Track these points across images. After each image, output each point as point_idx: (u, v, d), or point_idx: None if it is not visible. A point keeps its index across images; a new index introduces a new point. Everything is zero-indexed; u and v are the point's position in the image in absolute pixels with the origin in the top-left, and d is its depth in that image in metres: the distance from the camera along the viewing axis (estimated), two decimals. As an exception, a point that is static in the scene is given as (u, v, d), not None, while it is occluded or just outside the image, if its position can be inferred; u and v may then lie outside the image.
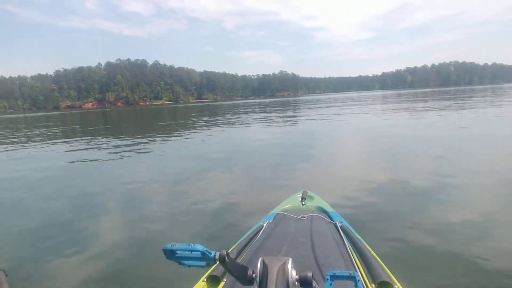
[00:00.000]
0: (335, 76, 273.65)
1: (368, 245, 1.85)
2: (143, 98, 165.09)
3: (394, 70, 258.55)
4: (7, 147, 13.44)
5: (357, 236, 1.96)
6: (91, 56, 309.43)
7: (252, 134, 14.12)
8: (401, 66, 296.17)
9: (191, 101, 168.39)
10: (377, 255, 1.73)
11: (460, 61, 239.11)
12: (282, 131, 14.70)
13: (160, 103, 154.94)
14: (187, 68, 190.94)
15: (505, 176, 5.25)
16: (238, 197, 5.14)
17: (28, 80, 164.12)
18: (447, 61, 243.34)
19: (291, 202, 2.69)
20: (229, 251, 1.47)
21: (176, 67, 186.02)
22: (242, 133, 14.89)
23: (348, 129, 14.14)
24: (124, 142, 13.26)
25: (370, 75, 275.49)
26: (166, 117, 33.62)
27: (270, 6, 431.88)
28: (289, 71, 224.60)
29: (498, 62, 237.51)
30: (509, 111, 16.79)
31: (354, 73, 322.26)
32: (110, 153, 10.57)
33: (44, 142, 14.60)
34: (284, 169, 6.85)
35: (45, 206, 5.29)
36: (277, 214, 2.38)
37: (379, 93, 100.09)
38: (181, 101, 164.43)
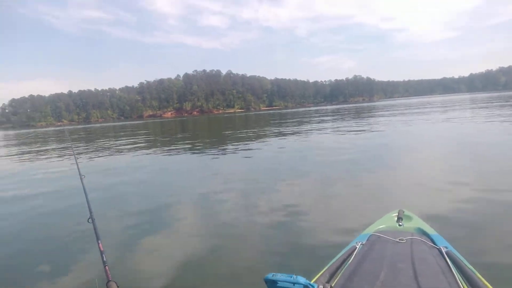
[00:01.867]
0: (416, 79, 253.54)
1: (481, 275, 1.66)
2: (217, 106, 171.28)
3: (484, 71, 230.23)
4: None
5: (467, 265, 1.76)
6: (171, 68, 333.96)
7: (329, 142, 13.26)
8: (493, 66, 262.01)
9: (262, 108, 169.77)
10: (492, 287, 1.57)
11: None
12: (361, 139, 13.35)
13: (232, 111, 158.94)
14: (258, 76, 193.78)
15: None
16: (323, 213, 4.77)
17: (117, 92, 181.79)
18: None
19: (386, 222, 2.54)
20: (320, 274, 1.72)
21: (248, 75, 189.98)
22: (318, 140, 13.99)
23: (439, 138, 12.25)
24: (199, 149, 14.08)
25: (456, 76, 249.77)
26: (238, 124, 34.23)
27: (345, 10, 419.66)
28: (364, 75, 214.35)
29: None
30: None
31: (437, 75, 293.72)
32: (184, 159, 11.34)
33: (140, 150, 15.27)
34: (371, 183, 6.20)
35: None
36: (371, 235, 2.24)
37: (467, 96, 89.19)
38: (252, 109, 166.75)
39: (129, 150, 15.45)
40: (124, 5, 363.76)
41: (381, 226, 2.45)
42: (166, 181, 8.22)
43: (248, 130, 23.63)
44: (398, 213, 2.60)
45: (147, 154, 13.53)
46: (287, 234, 4.08)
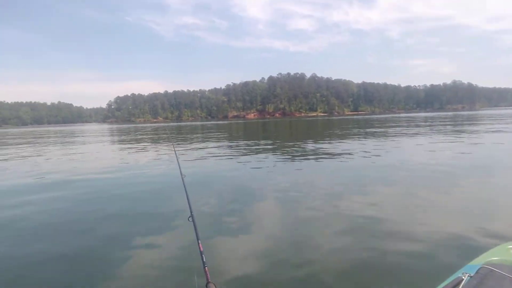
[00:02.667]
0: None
1: None
2: (299, 109, 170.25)
3: None
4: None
5: None
6: (257, 71, 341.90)
7: (428, 153, 11.51)
8: None
9: (346, 113, 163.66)
10: None
11: None
12: (466, 152, 11.42)
13: (315, 114, 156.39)
14: (344, 79, 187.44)
15: None
16: (421, 232, 4.18)
17: (206, 92, 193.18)
18: None
19: (501, 254, 2.22)
20: None
21: (333, 79, 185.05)
22: (416, 151, 12.15)
23: None
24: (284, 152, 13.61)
25: None
26: (321, 129, 33.18)
27: (444, 11, 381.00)
28: (464, 81, 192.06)
29: None
30: None
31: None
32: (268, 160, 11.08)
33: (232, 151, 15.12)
34: (481, 205, 5.30)
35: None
36: (481, 267, 1.92)
37: None
38: (336, 113, 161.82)
39: (221, 149, 15.50)
40: (217, 12, 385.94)
41: (493, 258, 2.13)
42: (257, 179, 8.23)
43: (331, 135, 22.22)
44: None
45: (236, 155, 13.29)
46: (371, 253, 3.72)
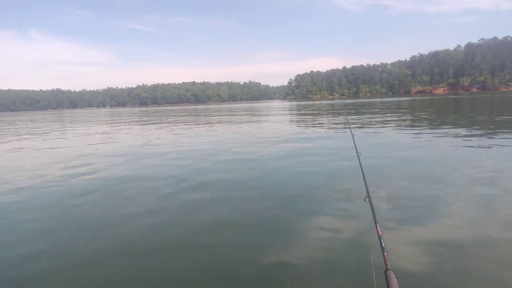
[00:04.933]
0: None
1: None
2: (507, 82, 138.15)
3: None
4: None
5: None
6: (453, 39, 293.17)
7: None
8: None
9: None
10: None
11: None
12: None
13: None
14: None
15: None
16: None
17: (388, 66, 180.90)
18: None
19: None
20: None
21: None
22: None
23: None
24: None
25: None
26: None
27: None
28: None
29: None
30: None
31: None
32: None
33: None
34: None
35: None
36: None
37: None
38: None
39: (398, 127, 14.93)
40: None
41: None
42: (449, 162, 7.37)
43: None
44: None
45: (421, 132, 12.60)
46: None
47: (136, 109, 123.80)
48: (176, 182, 6.41)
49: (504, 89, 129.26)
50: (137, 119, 34.32)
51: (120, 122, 31.07)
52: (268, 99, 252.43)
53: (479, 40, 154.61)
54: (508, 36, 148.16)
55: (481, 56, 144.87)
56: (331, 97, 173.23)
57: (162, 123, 26.14)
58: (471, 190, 5.23)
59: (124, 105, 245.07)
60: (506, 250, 3.33)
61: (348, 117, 21.75)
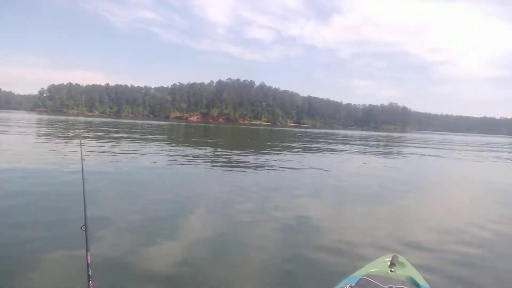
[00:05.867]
0: (454, 115, 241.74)
1: None
2: (244, 116, 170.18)
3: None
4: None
5: None
6: (209, 74, 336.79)
7: (340, 171, 12.81)
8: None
9: (289, 124, 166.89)
10: None
11: None
12: (381, 171, 13.06)
13: (258, 123, 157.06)
14: (291, 91, 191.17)
15: None
16: (308, 247, 4.46)
17: (152, 90, 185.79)
18: None
19: (378, 266, 2.52)
20: None
21: (281, 90, 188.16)
22: (326, 166, 13.17)
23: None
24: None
25: (497, 117, 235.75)
26: (263, 138, 33.51)
27: (393, 37, 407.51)
28: (400, 104, 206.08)
29: None
30: None
31: (477, 114, 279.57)
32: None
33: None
34: (371, 219, 6.05)
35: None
36: (361, 278, 2.23)
37: (508, 140, 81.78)
38: (279, 123, 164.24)
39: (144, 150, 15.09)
40: (177, 9, 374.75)
41: (372, 270, 2.40)
42: (175, 186, 8.09)
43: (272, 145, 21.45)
44: (392, 258, 2.56)
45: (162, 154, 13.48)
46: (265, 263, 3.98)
47: None
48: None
49: (242, 122, 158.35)
50: None
51: None
52: (10, 109, 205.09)
53: (227, 79, 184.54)
54: (247, 79, 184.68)
55: (227, 93, 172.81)
56: (90, 114, 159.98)
57: None
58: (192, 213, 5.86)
59: None
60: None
61: (81, 137, 20.03)
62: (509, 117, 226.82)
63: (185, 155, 13.86)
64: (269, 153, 17.37)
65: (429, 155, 20.90)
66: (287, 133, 50.90)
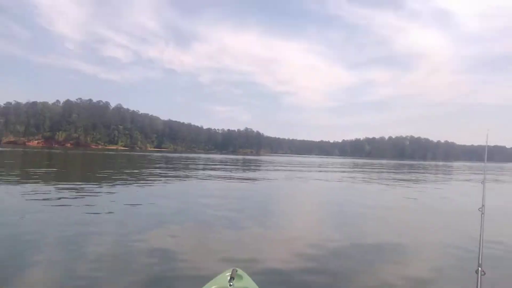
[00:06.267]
0: (299, 139, 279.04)
1: None
2: (97, 141, 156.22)
3: (353, 139, 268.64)
4: None
5: None
6: (54, 93, 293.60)
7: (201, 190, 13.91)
8: (361, 135, 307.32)
9: (149, 148, 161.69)
10: None
11: (416, 136, 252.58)
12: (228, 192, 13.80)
13: (115, 148, 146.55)
14: (151, 115, 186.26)
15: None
16: (156, 267, 4.60)
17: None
18: (404, 135, 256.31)
19: (219, 282, 2.65)
20: None
21: (140, 112, 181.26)
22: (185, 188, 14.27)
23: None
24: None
25: (331, 141, 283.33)
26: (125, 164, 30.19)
27: (247, 68, 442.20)
28: (255, 129, 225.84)
29: (450, 141, 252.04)
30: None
31: (316, 138, 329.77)
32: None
33: None
34: (223, 238, 6.43)
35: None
36: None
37: (339, 160, 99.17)
38: (138, 148, 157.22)
39: None
40: (15, 16, 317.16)
41: (213, 286, 2.55)
42: None
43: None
44: (232, 272, 2.68)
45: None
46: None
47: None
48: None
49: (94, 147, 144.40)
50: None
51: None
52: None
53: (77, 99, 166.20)
54: (101, 100, 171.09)
55: (77, 114, 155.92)
56: None
57: None
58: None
59: None
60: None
61: None
62: (339, 140, 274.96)
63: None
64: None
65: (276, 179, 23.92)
66: (138, 159, 49.43)
